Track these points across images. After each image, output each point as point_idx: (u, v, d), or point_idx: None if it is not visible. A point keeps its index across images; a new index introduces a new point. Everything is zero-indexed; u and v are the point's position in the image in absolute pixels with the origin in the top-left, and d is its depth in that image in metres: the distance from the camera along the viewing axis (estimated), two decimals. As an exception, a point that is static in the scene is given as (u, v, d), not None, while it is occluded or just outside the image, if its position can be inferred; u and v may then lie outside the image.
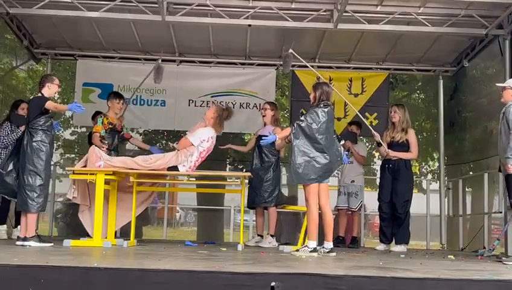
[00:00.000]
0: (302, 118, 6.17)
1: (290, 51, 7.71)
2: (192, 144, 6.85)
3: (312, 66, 10.19)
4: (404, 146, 7.85)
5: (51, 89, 6.69)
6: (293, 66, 10.30)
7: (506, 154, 6.22)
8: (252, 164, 8.00)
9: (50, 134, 6.55)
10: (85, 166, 6.88)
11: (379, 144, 8.00)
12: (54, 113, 6.81)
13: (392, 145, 7.83)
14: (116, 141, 7.84)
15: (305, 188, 6.13)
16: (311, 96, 6.30)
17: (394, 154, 7.80)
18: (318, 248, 6.04)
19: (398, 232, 7.81)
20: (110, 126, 7.71)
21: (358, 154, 8.44)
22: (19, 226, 7.89)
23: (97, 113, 8.50)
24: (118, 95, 8.01)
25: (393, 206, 7.79)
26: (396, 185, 7.81)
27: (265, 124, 8.09)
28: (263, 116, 8.13)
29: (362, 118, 8.34)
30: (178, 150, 6.89)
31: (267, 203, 7.81)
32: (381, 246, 7.87)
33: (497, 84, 6.83)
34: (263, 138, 6.92)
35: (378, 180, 14.83)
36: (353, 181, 8.37)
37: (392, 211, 7.81)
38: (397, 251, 7.53)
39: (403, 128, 7.87)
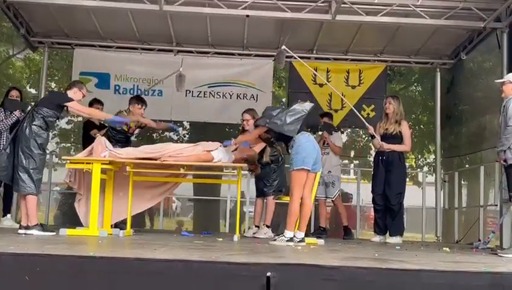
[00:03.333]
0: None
1: (283, 47, 7.72)
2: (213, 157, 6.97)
3: (309, 58, 10.25)
4: (398, 138, 7.84)
5: (76, 94, 6.70)
6: (290, 57, 10.33)
7: (497, 148, 6.26)
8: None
9: (50, 125, 6.57)
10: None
11: (372, 136, 8.01)
12: (63, 116, 6.82)
13: (386, 137, 7.83)
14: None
15: (292, 178, 6.19)
16: None
17: (388, 147, 7.80)
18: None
19: (392, 224, 7.82)
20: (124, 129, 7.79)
21: (335, 145, 8.45)
22: (8, 215, 7.89)
23: (95, 101, 8.49)
24: (140, 99, 7.96)
25: (387, 198, 7.81)
26: (389, 177, 7.81)
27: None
28: (244, 128, 7.82)
29: (357, 112, 8.31)
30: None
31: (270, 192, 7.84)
32: (376, 238, 7.89)
33: (495, 80, 6.83)
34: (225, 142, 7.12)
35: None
36: (330, 171, 8.35)
37: (386, 203, 7.83)
38: (392, 242, 7.55)
39: (397, 120, 7.86)
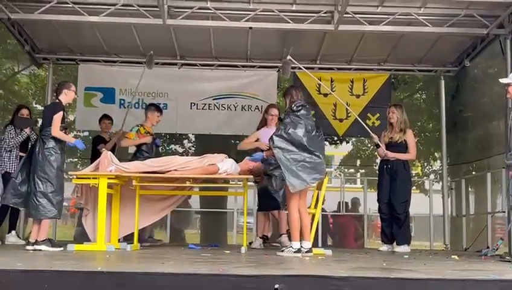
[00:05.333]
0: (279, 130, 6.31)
1: (289, 57, 7.74)
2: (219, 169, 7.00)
3: (313, 68, 10.27)
4: (403, 147, 7.84)
5: (67, 96, 6.76)
6: (294, 68, 10.35)
7: (507, 160, 6.26)
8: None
9: (62, 142, 6.56)
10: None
11: (377, 145, 8.00)
12: (66, 125, 6.77)
13: (390, 146, 7.83)
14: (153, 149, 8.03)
15: (287, 192, 6.21)
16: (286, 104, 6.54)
17: (393, 156, 7.80)
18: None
19: (399, 233, 7.78)
20: (147, 135, 7.95)
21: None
22: (13, 231, 7.89)
23: (104, 117, 8.59)
24: (158, 109, 8.23)
25: (392, 206, 7.79)
26: (394, 185, 7.80)
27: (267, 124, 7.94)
28: (268, 122, 7.99)
29: (361, 121, 8.28)
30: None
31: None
32: (384, 247, 7.87)
33: (500, 80, 6.78)
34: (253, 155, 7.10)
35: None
36: None
37: (391, 212, 7.81)
38: (400, 251, 7.52)
39: (401, 128, 7.86)
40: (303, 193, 6.27)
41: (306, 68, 10.26)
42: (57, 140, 6.48)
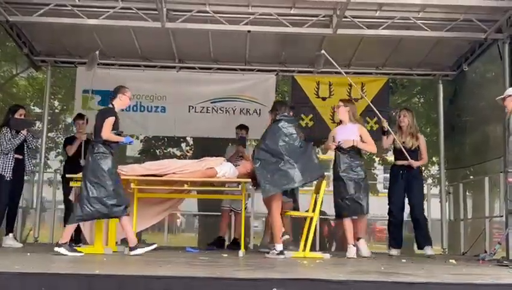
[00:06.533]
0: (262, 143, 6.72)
1: (322, 51, 7.66)
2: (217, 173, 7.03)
3: (312, 72, 10.28)
4: (416, 152, 7.78)
5: (122, 101, 6.65)
6: (293, 71, 10.37)
7: (506, 167, 6.29)
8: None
9: (113, 145, 6.45)
10: None
11: (386, 132, 7.74)
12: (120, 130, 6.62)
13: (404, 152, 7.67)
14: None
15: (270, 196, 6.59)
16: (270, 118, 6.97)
17: (416, 164, 7.74)
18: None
19: (421, 236, 7.77)
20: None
21: (249, 158, 8.43)
22: (10, 234, 7.81)
23: (77, 117, 8.92)
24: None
25: (412, 210, 7.80)
26: (411, 189, 7.75)
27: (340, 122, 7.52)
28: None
29: (373, 107, 7.91)
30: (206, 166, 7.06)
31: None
32: (394, 251, 7.82)
33: (496, 98, 6.85)
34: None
35: (379, 185, 14.83)
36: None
37: (410, 215, 7.84)
38: (429, 253, 7.57)
39: (411, 133, 7.80)
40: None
41: (304, 72, 10.34)
42: (106, 145, 6.36)
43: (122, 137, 6.54)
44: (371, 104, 8.09)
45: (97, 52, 7.57)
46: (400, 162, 7.83)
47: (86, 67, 8.23)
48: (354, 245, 6.92)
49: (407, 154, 7.62)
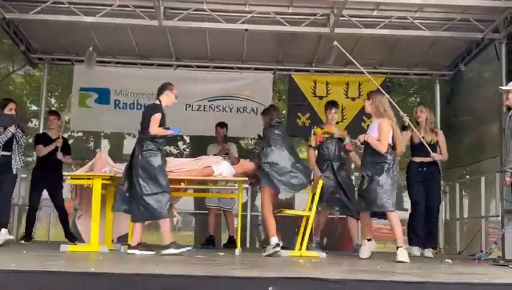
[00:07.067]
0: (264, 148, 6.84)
1: (335, 43, 7.64)
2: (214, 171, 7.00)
3: (309, 71, 10.30)
4: (435, 148, 7.58)
5: (168, 97, 6.59)
6: (290, 70, 10.37)
7: (504, 166, 6.24)
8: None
9: (161, 141, 6.43)
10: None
11: (406, 127, 7.50)
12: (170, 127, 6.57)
13: (423, 147, 7.48)
14: (334, 149, 7.65)
15: (261, 196, 6.87)
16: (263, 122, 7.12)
17: (438, 157, 7.54)
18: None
19: (430, 236, 7.65)
20: (326, 135, 7.64)
21: (233, 157, 8.48)
22: (3, 230, 7.64)
23: (50, 113, 8.79)
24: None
25: (429, 210, 7.58)
26: (431, 188, 7.58)
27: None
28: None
29: (392, 101, 7.80)
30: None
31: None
32: (416, 249, 7.58)
33: (500, 87, 6.78)
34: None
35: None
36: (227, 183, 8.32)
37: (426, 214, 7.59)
38: (429, 256, 7.38)
39: (432, 128, 7.65)
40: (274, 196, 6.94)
41: (301, 71, 10.35)
42: (154, 141, 6.34)
43: (169, 130, 6.49)
44: (390, 99, 7.96)
45: (91, 48, 7.55)
46: (418, 159, 7.63)
47: (86, 65, 8.21)
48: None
49: (428, 148, 7.42)
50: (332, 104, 7.96)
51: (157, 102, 6.58)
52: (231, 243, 8.42)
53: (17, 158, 7.31)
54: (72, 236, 8.37)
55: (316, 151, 7.76)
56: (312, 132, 7.78)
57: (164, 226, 6.27)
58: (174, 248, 6.19)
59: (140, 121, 6.52)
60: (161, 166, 6.32)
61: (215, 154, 8.30)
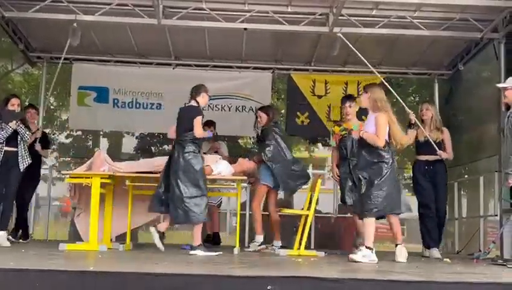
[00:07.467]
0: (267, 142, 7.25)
1: (339, 34, 7.63)
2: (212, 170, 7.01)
3: (307, 70, 10.29)
4: (441, 146, 7.45)
5: (204, 99, 6.69)
6: (289, 69, 10.37)
7: (506, 169, 6.22)
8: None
9: (199, 144, 6.49)
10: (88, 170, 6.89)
11: (412, 125, 7.45)
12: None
13: (428, 145, 7.40)
14: (352, 146, 7.31)
15: (257, 191, 7.33)
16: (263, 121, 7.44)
17: (444, 155, 7.40)
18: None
19: (439, 236, 7.57)
20: (344, 132, 7.40)
21: (224, 155, 8.40)
22: (2, 232, 7.56)
23: (29, 106, 8.51)
24: (349, 98, 7.72)
25: (437, 209, 7.46)
26: (438, 188, 7.47)
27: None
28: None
29: (400, 99, 7.85)
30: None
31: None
32: (436, 252, 7.34)
33: (497, 84, 6.78)
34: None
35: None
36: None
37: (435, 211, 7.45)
38: (438, 256, 7.21)
39: (437, 127, 7.54)
40: (273, 196, 7.40)
41: (300, 70, 10.34)
42: (195, 143, 6.37)
43: (206, 133, 6.71)
44: (397, 97, 7.94)
45: (75, 24, 7.58)
46: (423, 157, 7.53)
47: (71, 41, 8.08)
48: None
49: (435, 146, 7.33)
50: (346, 98, 7.75)
51: (195, 103, 6.62)
52: (215, 238, 8.37)
53: (25, 155, 7.22)
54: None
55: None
56: (331, 132, 7.75)
57: (197, 228, 6.33)
58: (202, 250, 6.22)
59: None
60: (201, 169, 6.36)
61: (204, 153, 8.32)
